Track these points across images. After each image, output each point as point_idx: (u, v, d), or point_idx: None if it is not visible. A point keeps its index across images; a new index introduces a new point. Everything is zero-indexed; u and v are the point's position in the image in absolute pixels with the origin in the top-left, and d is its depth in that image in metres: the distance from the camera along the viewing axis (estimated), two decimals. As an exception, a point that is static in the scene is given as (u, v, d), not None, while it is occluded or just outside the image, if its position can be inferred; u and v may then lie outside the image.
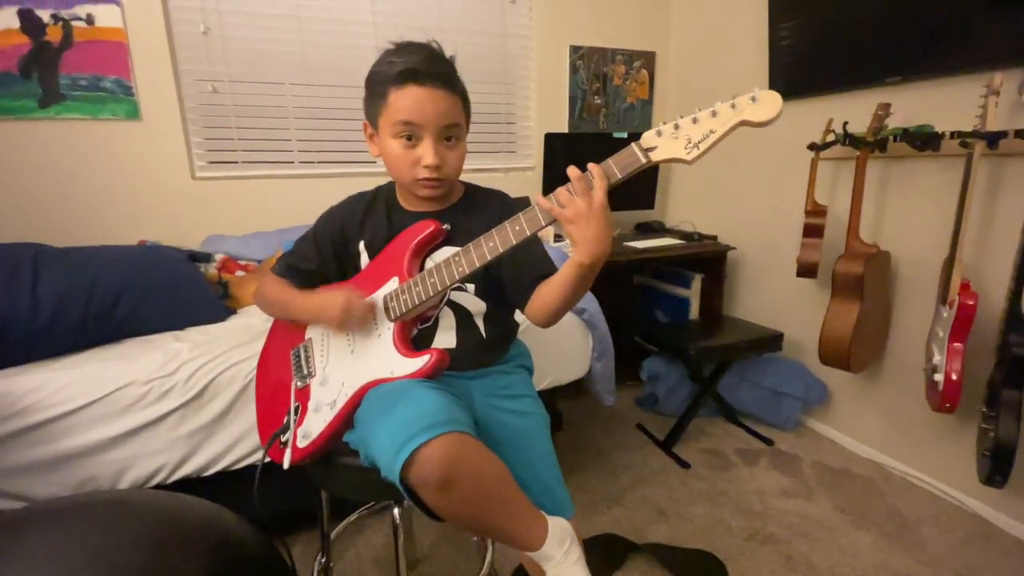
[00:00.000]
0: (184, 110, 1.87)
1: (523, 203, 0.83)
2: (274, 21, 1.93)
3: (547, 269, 0.89)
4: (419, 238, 0.88)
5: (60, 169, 1.75)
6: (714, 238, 2.27)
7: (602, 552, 1.36)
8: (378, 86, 0.85)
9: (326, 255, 0.98)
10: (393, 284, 0.87)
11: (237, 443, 1.22)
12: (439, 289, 0.81)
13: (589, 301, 1.60)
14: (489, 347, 0.96)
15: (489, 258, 0.77)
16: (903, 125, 1.54)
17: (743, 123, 0.65)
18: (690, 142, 0.67)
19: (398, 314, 0.85)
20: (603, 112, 2.51)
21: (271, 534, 0.90)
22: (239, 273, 1.71)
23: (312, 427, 0.86)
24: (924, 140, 1.48)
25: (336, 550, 1.40)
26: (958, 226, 1.36)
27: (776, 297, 2.14)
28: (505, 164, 2.39)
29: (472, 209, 0.96)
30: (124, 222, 1.84)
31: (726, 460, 1.82)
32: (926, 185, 1.58)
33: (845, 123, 1.64)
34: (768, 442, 1.93)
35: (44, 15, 1.66)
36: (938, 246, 1.49)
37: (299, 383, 0.91)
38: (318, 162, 2.09)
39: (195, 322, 1.42)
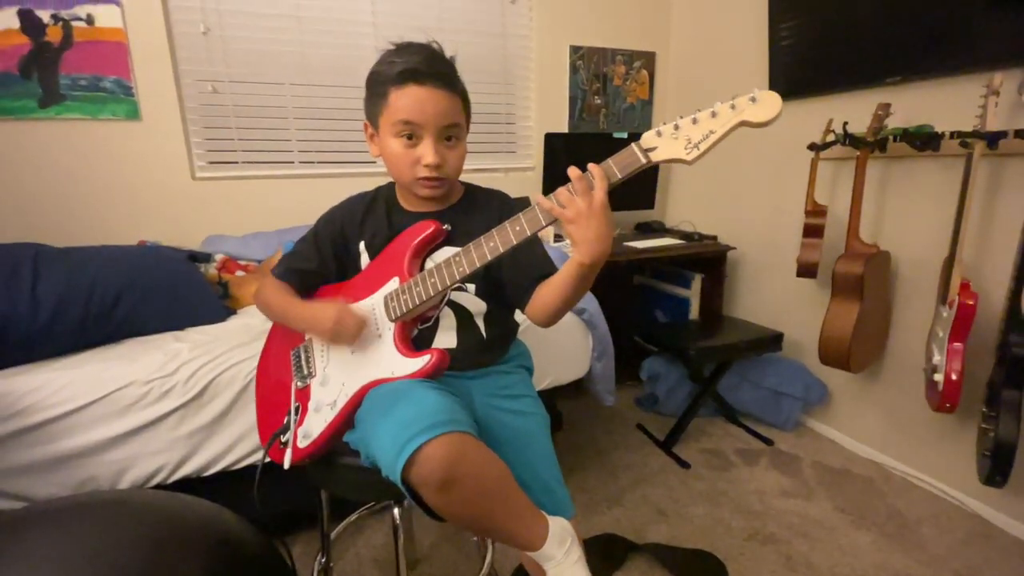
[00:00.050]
0: (184, 110, 1.87)
1: (523, 203, 0.83)
2: (274, 21, 1.93)
3: (547, 269, 0.89)
4: (420, 238, 0.88)
5: (60, 169, 1.75)
6: (714, 238, 2.27)
7: (602, 552, 1.36)
8: (379, 86, 0.85)
9: (326, 255, 0.98)
10: (394, 284, 0.87)
11: (237, 443, 1.22)
12: (440, 289, 0.81)
13: (589, 301, 1.60)
14: (489, 347, 0.96)
15: (489, 258, 0.77)
16: (903, 125, 1.54)
17: (743, 123, 0.65)
18: (690, 142, 0.67)
19: (399, 314, 0.85)
20: (603, 112, 2.51)
21: (271, 534, 0.90)
22: (239, 273, 1.71)
23: (313, 427, 0.86)
24: (924, 140, 1.48)
25: (336, 550, 1.40)
26: (958, 226, 1.36)
27: (776, 297, 2.14)
28: (505, 164, 2.39)
29: (472, 209, 0.96)
30: (124, 222, 1.84)
31: (726, 460, 1.82)
32: (926, 185, 1.58)
33: (845, 123, 1.64)
34: (768, 442, 1.93)
35: (44, 15, 1.66)
36: (938, 246, 1.49)
37: (299, 383, 0.91)
38: (318, 162, 2.09)
39: (195, 322, 1.42)
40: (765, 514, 1.54)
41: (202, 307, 1.46)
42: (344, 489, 0.95)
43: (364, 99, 0.91)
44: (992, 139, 1.29)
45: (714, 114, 0.66)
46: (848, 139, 1.62)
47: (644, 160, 0.70)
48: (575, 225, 0.71)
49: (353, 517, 1.40)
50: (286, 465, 0.86)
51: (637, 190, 2.44)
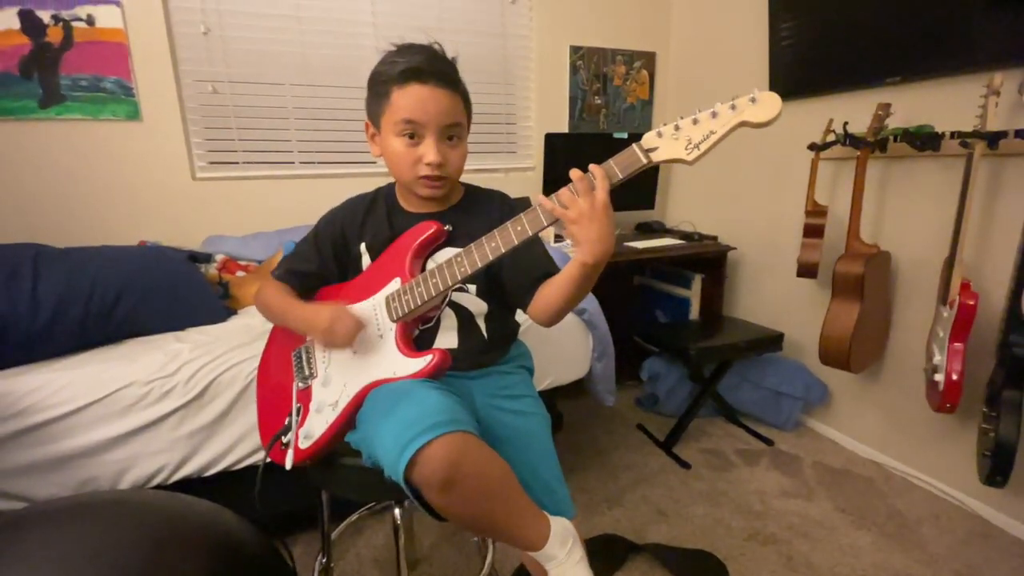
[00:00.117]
0: (184, 111, 1.87)
1: (523, 203, 0.83)
2: (274, 22, 1.93)
3: (549, 269, 0.89)
4: (421, 239, 0.88)
5: (60, 170, 1.75)
6: (714, 238, 2.27)
7: (602, 552, 1.36)
8: (380, 85, 0.85)
9: (326, 256, 0.98)
10: (395, 285, 0.87)
11: (238, 443, 1.22)
12: (441, 289, 0.81)
13: (589, 301, 1.60)
14: (490, 347, 0.96)
15: (491, 258, 0.77)
16: (903, 125, 1.54)
17: (743, 124, 0.65)
18: (690, 143, 0.68)
19: (400, 315, 0.85)
20: (603, 112, 2.51)
21: (272, 534, 0.90)
22: (239, 273, 1.71)
23: (314, 428, 0.86)
24: (924, 140, 1.48)
25: (337, 550, 1.40)
26: (958, 226, 1.36)
27: (776, 297, 2.14)
28: (505, 164, 2.39)
29: (473, 210, 0.97)
30: (124, 222, 1.84)
31: (726, 460, 1.82)
32: (926, 185, 1.58)
33: (845, 123, 1.64)
34: (768, 442, 1.93)
35: (44, 16, 1.66)
36: (938, 246, 1.49)
37: (300, 384, 0.91)
38: (318, 163, 2.09)
39: (196, 322, 1.42)
40: (765, 514, 1.54)
41: (202, 307, 1.46)
42: (345, 489, 0.95)
43: (366, 99, 0.91)
44: (992, 139, 1.29)
45: (714, 114, 0.66)
46: (848, 139, 1.62)
47: (645, 160, 0.70)
48: (578, 225, 0.71)
49: (354, 517, 1.40)
50: (288, 466, 0.86)
51: (637, 190, 2.44)
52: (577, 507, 0.90)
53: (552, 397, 1.58)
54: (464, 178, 0.98)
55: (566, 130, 2.44)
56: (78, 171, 1.77)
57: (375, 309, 0.88)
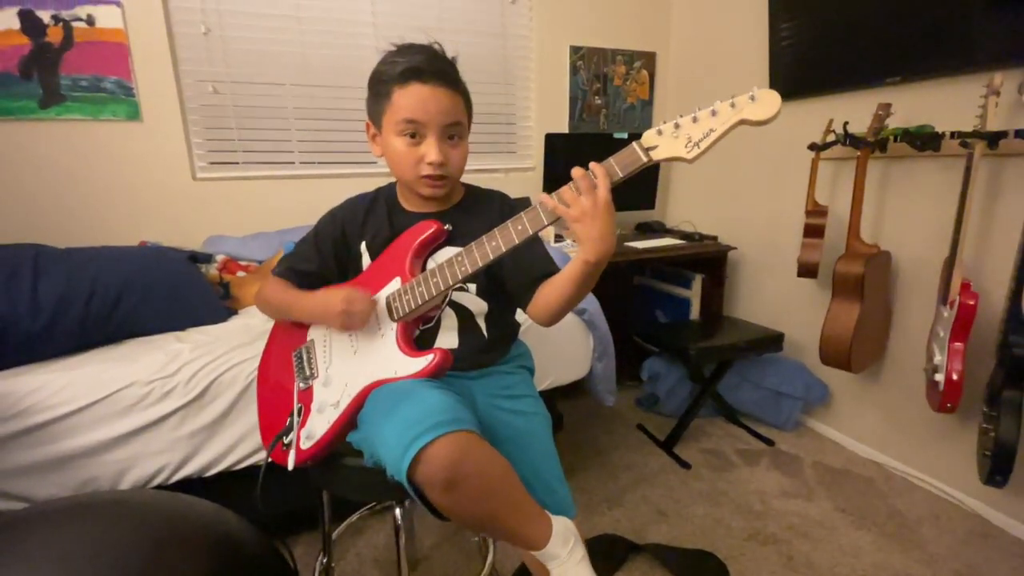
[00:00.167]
0: (185, 111, 1.87)
1: (523, 203, 0.83)
2: (274, 22, 1.93)
3: (549, 268, 0.90)
4: (421, 238, 0.88)
5: (61, 170, 1.75)
6: (714, 238, 2.27)
7: (603, 552, 1.36)
8: (381, 85, 0.86)
9: (327, 256, 0.98)
10: (395, 284, 0.87)
11: (238, 444, 1.21)
12: (442, 289, 0.82)
13: (590, 301, 1.60)
14: (491, 347, 0.96)
15: (492, 257, 0.77)
16: (903, 125, 1.54)
17: (743, 122, 0.66)
18: (690, 141, 0.68)
19: (401, 314, 0.85)
20: (603, 112, 2.51)
21: (272, 534, 0.90)
22: (240, 274, 1.71)
23: (316, 428, 0.86)
24: (924, 140, 1.48)
25: (337, 550, 1.39)
26: (958, 226, 1.36)
27: (777, 297, 2.14)
28: (505, 164, 2.39)
29: (473, 209, 0.97)
30: (125, 223, 1.84)
31: (726, 460, 1.82)
32: (926, 185, 1.58)
33: (845, 123, 1.64)
34: (769, 442, 1.93)
35: (44, 16, 1.66)
36: (938, 246, 1.49)
37: (301, 384, 0.91)
38: (319, 163, 2.09)
39: (196, 323, 1.42)
40: (766, 514, 1.54)
41: (203, 307, 1.46)
42: (346, 490, 0.95)
43: (366, 99, 0.91)
44: (992, 139, 1.29)
45: (714, 112, 0.66)
46: (848, 139, 1.62)
47: (645, 159, 0.70)
48: (580, 224, 0.71)
49: (354, 517, 1.41)
50: (290, 467, 0.86)
51: (637, 190, 2.44)
52: (577, 507, 0.90)
53: (552, 397, 1.58)
54: (464, 178, 0.98)
55: (566, 130, 2.44)
56: (78, 171, 1.77)
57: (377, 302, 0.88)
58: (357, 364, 0.87)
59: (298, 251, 1.00)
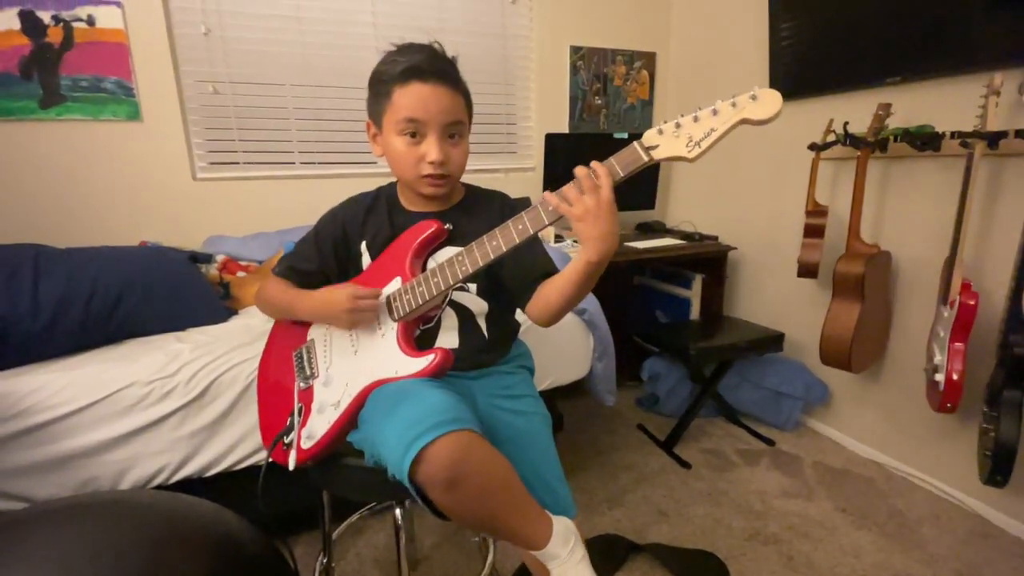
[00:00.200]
0: (185, 111, 1.87)
1: (523, 203, 0.83)
2: (275, 22, 1.93)
3: (548, 268, 0.90)
4: (422, 238, 0.88)
5: (61, 170, 1.75)
6: (715, 238, 2.27)
7: (603, 552, 1.36)
8: (382, 85, 0.86)
9: (327, 255, 0.98)
10: (396, 284, 0.87)
11: (239, 444, 1.21)
12: (443, 288, 0.81)
13: (590, 301, 1.60)
14: (491, 347, 0.96)
15: (492, 257, 0.77)
16: (903, 125, 1.54)
17: (744, 121, 0.65)
18: (691, 140, 0.68)
19: (402, 314, 0.85)
20: (603, 112, 2.51)
21: (273, 534, 0.90)
22: (240, 274, 1.71)
23: (316, 428, 0.86)
24: (924, 140, 1.48)
25: (337, 551, 1.39)
26: (959, 226, 1.36)
27: (777, 297, 2.14)
28: (505, 165, 2.39)
29: (473, 209, 0.97)
30: (125, 223, 1.84)
31: (727, 460, 1.82)
32: (926, 185, 1.58)
33: (845, 123, 1.64)
34: (769, 442, 1.93)
35: (45, 16, 1.66)
36: (939, 246, 1.49)
37: (302, 384, 0.91)
38: (319, 163, 2.09)
39: (196, 323, 1.42)
40: (766, 514, 1.54)
41: (203, 308, 1.46)
42: (347, 490, 0.95)
43: (367, 99, 0.91)
44: (992, 139, 1.29)
45: (715, 112, 0.66)
46: (849, 139, 1.63)
47: (646, 158, 0.70)
48: (583, 223, 0.71)
49: (354, 518, 1.41)
50: (291, 466, 0.86)
51: (638, 190, 2.44)
52: (578, 507, 0.90)
53: (552, 397, 1.58)
54: (464, 178, 0.98)
55: (566, 130, 2.44)
56: (79, 171, 1.77)
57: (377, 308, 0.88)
58: (358, 364, 0.87)
59: (298, 250, 1.00)
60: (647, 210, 2.51)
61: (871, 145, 1.55)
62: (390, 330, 0.86)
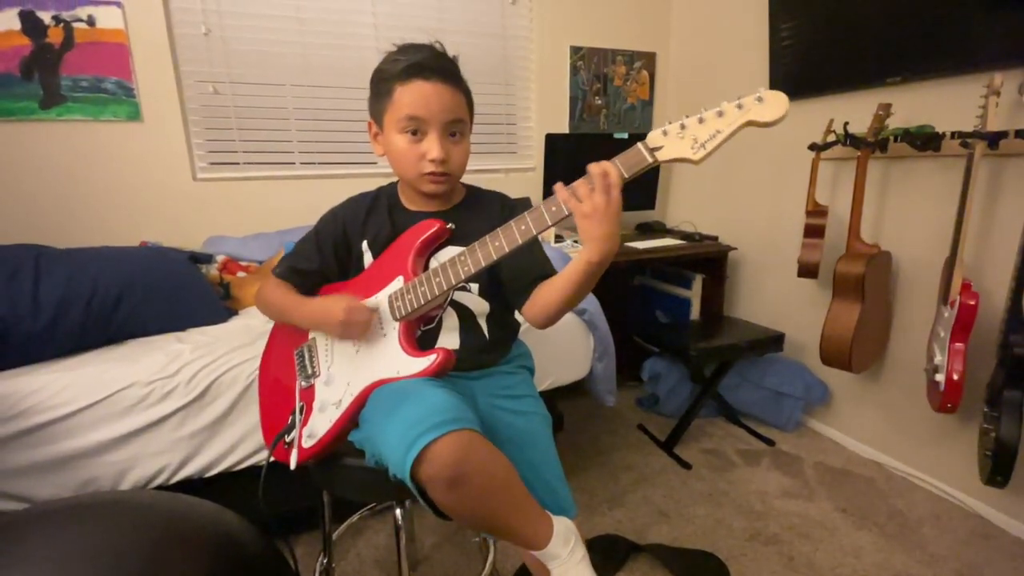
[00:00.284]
0: (185, 111, 1.87)
1: (524, 204, 0.83)
2: (275, 23, 1.93)
3: (547, 270, 0.89)
4: (423, 237, 0.88)
5: (61, 170, 1.75)
6: (715, 238, 2.27)
7: (603, 553, 1.36)
8: (383, 83, 0.86)
9: (327, 255, 0.98)
10: (398, 283, 0.87)
11: (239, 444, 1.21)
12: (445, 289, 0.81)
13: (590, 301, 1.60)
14: (492, 347, 0.96)
15: (495, 257, 0.77)
16: (903, 125, 1.55)
17: (749, 123, 0.65)
18: (696, 142, 0.67)
19: (403, 313, 0.85)
20: (604, 113, 2.51)
21: (273, 535, 0.90)
22: (240, 274, 1.71)
23: (317, 427, 0.86)
24: (925, 140, 1.48)
25: (338, 551, 1.39)
26: (959, 226, 1.36)
27: (777, 297, 2.14)
28: (506, 165, 2.39)
29: (474, 209, 0.97)
30: (125, 223, 1.84)
31: (727, 460, 1.82)
32: (927, 185, 1.59)
33: (846, 123, 1.64)
34: (769, 442, 1.93)
35: (45, 16, 1.66)
36: (939, 246, 1.49)
37: (303, 383, 0.91)
38: (319, 163, 2.09)
39: (196, 323, 1.42)
40: (766, 514, 1.54)
41: (203, 308, 1.46)
42: (347, 490, 0.95)
43: (368, 98, 0.91)
44: (993, 139, 1.29)
45: (720, 113, 0.66)
46: (849, 139, 1.63)
47: (651, 159, 0.69)
48: (589, 220, 0.70)
49: (355, 518, 1.41)
50: (292, 465, 0.86)
51: (638, 190, 2.44)
52: (578, 507, 0.90)
53: (552, 397, 1.58)
54: (465, 179, 0.98)
55: (566, 131, 2.44)
56: (79, 172, 1.77)
57: (378, 308, 0.88)
58: (359, 363, 0.87)
59: (299, 250, 1.00)
60: (647, 210, 2.51)
61: (871, 145, 1.55)
62: (392, 330, 0.86)
